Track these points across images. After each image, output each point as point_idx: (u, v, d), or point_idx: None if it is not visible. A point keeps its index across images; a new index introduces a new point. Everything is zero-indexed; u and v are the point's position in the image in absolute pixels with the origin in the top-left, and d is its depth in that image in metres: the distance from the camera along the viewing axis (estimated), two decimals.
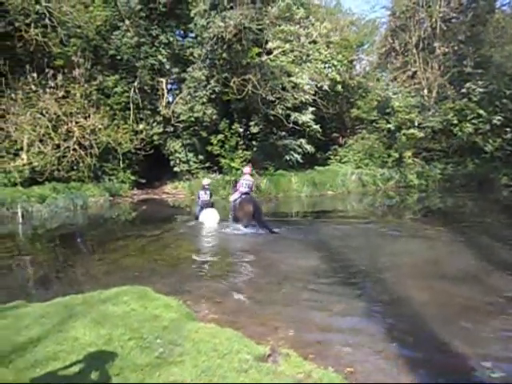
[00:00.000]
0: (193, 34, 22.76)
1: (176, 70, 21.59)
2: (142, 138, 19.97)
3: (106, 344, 3.44)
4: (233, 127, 21.16)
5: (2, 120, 16.86)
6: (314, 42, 23.36)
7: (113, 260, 7.71)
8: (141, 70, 20.39)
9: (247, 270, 6.98)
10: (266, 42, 20.98)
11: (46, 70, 17.53)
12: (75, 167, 18.25)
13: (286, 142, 22.79)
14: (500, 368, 3.47)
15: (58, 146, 17.58)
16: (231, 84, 20.10)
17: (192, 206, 13.98)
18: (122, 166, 19.83)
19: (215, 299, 5.29)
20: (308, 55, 23.44)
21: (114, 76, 20.48)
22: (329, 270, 6.57)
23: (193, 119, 20.78)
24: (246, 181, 10.75)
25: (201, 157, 22.11)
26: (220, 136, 21.13)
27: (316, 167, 23.31)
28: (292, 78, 21.55)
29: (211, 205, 11.50)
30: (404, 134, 23.88)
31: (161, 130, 21.43)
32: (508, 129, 23.13)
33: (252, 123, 22.22)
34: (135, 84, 20.45)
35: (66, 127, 18.01)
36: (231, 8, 18.61)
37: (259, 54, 20.99)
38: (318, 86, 22.45)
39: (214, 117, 20.85)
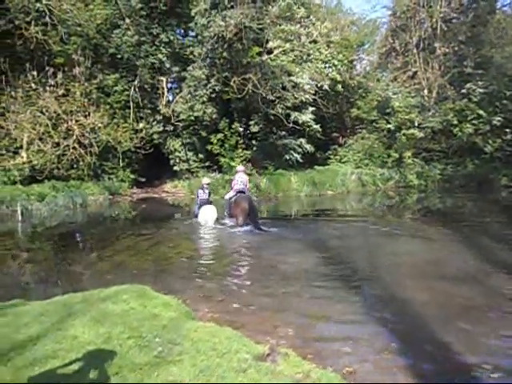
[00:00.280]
0: (193, 33, 22.77)
1: (176, 68, 21.59)
2: (142, 136, 19.94)
3: (105, 342, 3.44)
4: (233, 126, 21.16)
5: (2, 118, 16.87)
6: (315, 41, 23.37)
7: (112, 258, 7.70)
8: (141, 69, 20.37)
9: (247, 269, 6.98)
10: (267, 42, 20.99)
11: (46, 68, 17.52)
12: (75, 165, 18.23)
13: (285, 142, 22.79)
14: (500, 368, 3.47)
15: (58, 145, 17.57)
16: (231, 83, 20.09)
17: (191, 204, 14.00)
18: (121, 164, 19.81)
19: (214, 298, 5.29)
20: (308, 55, 23.44)
21: (114, 74, 20.47)
22: (328, 270, 6.57)
23: (193, 118, 20.78)
24: (240, 178, 10.86)
25: (200, 156, 22.11)
26: (220, 135, 21.12)
27: (316, 167, 23.31)
28: (292, 78, 21.55)
29: (210, 203, 11.52)
30: (404, 134, 23.88)
31: (161, 128, 21.43)
32: (508, 130, 23.13)
33: (252, 122, 22.22)
34: (135, 83, 20.44)
35: (65, 125, 18.00)
36: (232, 7, 18.61)
37: (260, 54, 20.99)
38: (319, 85, 22.45)
39: (214, 116, 20.85)
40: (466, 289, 5.55)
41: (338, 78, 23.56)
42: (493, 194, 19.38)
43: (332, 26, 24.28)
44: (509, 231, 10.08)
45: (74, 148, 17.82)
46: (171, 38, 21.04)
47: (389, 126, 24.19)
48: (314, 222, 12.17)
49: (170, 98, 22.75)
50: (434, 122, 23.81)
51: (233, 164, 20.58)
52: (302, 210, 16.12)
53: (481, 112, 22.91)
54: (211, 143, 21.27)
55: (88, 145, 18.09)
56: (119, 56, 20.29)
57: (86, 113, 18.68)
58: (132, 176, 20.78)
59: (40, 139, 17.34)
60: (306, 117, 22.55)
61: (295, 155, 22.91)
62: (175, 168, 22.39)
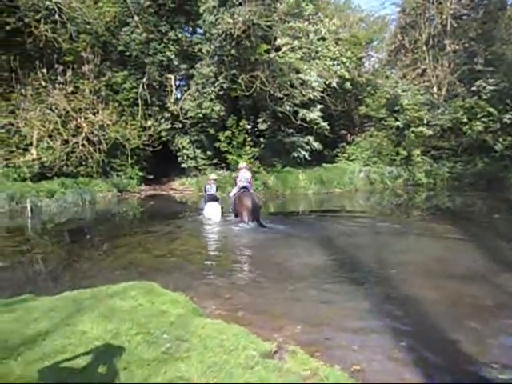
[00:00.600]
0: (201, 31, 22.78)
1: (184, 66, 21.63)
2: (150, 134, 20.04)
3: (113, 338, 3.46)
4: (240, 124, 21.16)
5: (12, 115, 17.02)
6: (323, 38, 23.23)
7: (120, 255, 7.75)
8: (149, 67, 20.44)
9: (254, 266, 6.98)
10: (275, 39, 20.91)
11: (56, 66, 17.69)
12: (84, 163, 18.36)
13: (293, 139, 22.75)
14: (509, 368, 3.44)
15: (67, 142, 17.70)
16: (239, 81, 20.09)
17: (199, 202, 14.06)
18: (130, 161, 19.92)
19: (222, 295, 5.30)
20: (317, 52, 23.32)
21: (123, 72, 20.55)
22: (336, 268, 6.54)
23: (201, 116, 20.82)
24: (243, 176, 11.01)
25: (208, 153, 22.14)
26: (228, 133, 21.14)
27: (324, 164, 23.26)
28: (300, 75, 21.48)
29: (216, 199, 11.67)
30: (413, 132, 23.71)
31: (169, 126, 21.49)
32: None
33: (260, 120, 22.20)
34: (144, 80, 20.52)
35: (74, 123, 18.15)
36: (240, 4, 18.59)
37: (268, 51, 20.93)
38: (327, 83, 22.35)
39: (222, 113, 20.88)
40: (475, 288, 5.50)
41: (347, 75, 23.43)
42: (503, 193, 19.17)
43: (340, 23, 24.17)
44: None
45: (82, 145, 17.95)
46: (179, 35, 21.10)
47: (397, 123, 24.01)
48: (321, 220, 12.12)
49: (179, 95, 22.80)
50: (444, 119, 23.62)
51: (240, 161, 20.60)
52: (309, 208, 16.08)
53: (491, 110, 22.68)
54: (219, 140, 21.29)
55: (97, 142, 18.22)
56: (128, 53, 20.38)
57: (95, 110, 18.81)
58: (140, 173, 20.88)
59: (49, 136, 17.48)
60: (314, 114, 22.47)
61: (303, 153, 22.87)
62: (183, 165, 22.46)
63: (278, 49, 21.66)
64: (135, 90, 20.56)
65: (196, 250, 8.08)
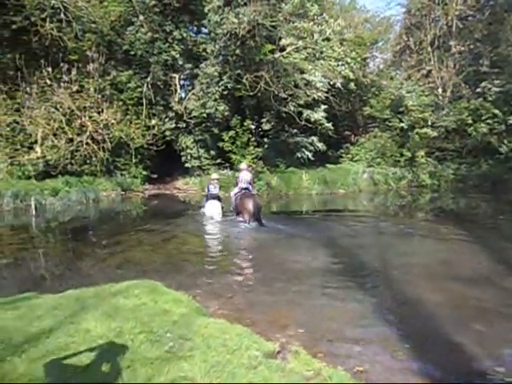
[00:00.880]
0: (206, 30, 22.76)
1: (189, 65, 21.63)
2: (154, 133, 20.07)
3: (116, 337, 3.47)
4: (244, 124, 21.15)
5: (18, 114, 17.10)
6: (328, 39, 23.17)
7: (124, 253, 7.77)
8: (154, 66, 20.47)
9: (257, 266, 6.98)
10: (280, 39, 20.88)
11: (61, 65, 17.75)
12: (88, 161, 18.41)
13: (297, 140, 22.71)
14: None
15: (72, 140, 17.76)
16: (244, 80, 20.07)
17: (202, 201, 14.10)
18: (134, 160, 19.96)
19: (224, 295, 5.30)
20: (321, 52, 23.27)
21: (128, 71, 20.58)
22: (340, 269, 6.54)
23: (205, 115, 20.82)
24: (244, 176, 11.14)
25: (212, 153, 22.13)
26: (232, 132, 21.13)
27: (327, 165, 23.20)
28: (305, 76, 21.43)
29: (219, 198, 11.80)
30: (417, 133, 23.60)
31: (173, 125, 21.50)
32: None
33: (264, 120, 22.18)
34: (148, 79, 20.55)
35: (79, 121, 18.21)
36: (245, 4, 18.57)
37: (272, 51, 20.91)
38: (331, 83, 22.28)
39: (226, 113, 20.87)
40: (480, 290, 5.48)
41: (351, 75, 23.35)
42: (507, 195, 19.07)
43: (345, 24, 24.09)
44: None
45: (87, 144, 18.00)
46: (184, 35, 21.10)
47: (402, 124, 23.91)
48: (324, 220, 12.11)
49: (183, 95, 22.81)
50: (448, 121, 23.52)
51: (242, 162, 20.61)
52: (313, 209, 16.05)
53: (496, 111, 22.56)
54: (223, 140, 21.29)
55: (101, 141, 18.26)
56: (132, 53, 20.41)
57: (100, 109, 18.85)
58: (144, 172, 20.91)
59: (54, 135, 17.54)
60: (318, 115, 22.42)
61: (307, 153, 22.82)
62: (187, 165, 22.47)
63: (282, 49, 21.63)
64: (140, 89, 20.59)
65: (199, 250, 8.10)
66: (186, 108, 20.94)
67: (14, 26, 16.98)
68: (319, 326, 4.34)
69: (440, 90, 25.54)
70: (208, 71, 20.16)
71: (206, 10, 20.06)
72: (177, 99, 21.40)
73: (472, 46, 24.43)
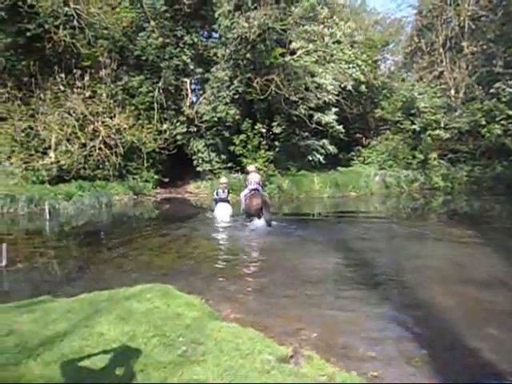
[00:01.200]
0: (217, 35, 22.87)
1: (200, 70, 21.75)
2: (166, 137, 20.19)
3: (130, 340, 3.49)
4: (255, 127, 21.17)
5: (32, 119, 17.35)
6: (338, 41, 23.15)
7: (136, 257, 7.81)
8: (165, 71, 20.62)
9: (269, 270, 6.96)
10: (290, 42, 20.91)
11: (74, 71, 17.98)
12: (101, 166, 18.57)
13: (308, 143, 22.67)
14: None
15: (85, 145, 17.95)
16: (254, 84, 20.11)
17: (211, 205, 14.16)
18: (145, 165, 20.09)
19: (237, 299, 5.30)
20: (332, 55, 23.24)
21: (139, 76, 20.77)
22: (353, 273, 6.49)
23: (216, 119, 20.89)
24: (253, 178, 11.29)
25: (223, 157, 22.19)
26: (242, 136, 21.16)
27: (339, 168, 23.12)
28: (315, 79, 21.42)
29: (228, 202, 11.95)
30: (429, 135, 23.39)
31: (184, 129, 21.60)
32: None
33: (275, 123, 22.18)
34: (160, 84, 20.70)
35: (92, 127, 18.41)
36: (255, 8, 18.63)
37: (283, 55, 20.93)
38: (342, 86, 22.23)
39: (237, 117, 20.91)
40: (494, 293, 5.40)
41: (362, 78, 23.27)
42: None
43: (356, 26, 23.99)
44: None
45: (99, 149, 18.18)
46: (195, 39, 21.23)
47: (414, 126, 23.71)
48: (336, 223, 12.05)
49: (194, 99, 22.91)
50: (461, 122, 23.26)
51: (255, 165, 20.61)
52: (324, 212, 16.00)
53: (510, 112, 22.23)
54: (234, 144, 21.33)
55: (113, 145, 18.44)
56: (144, 58, 20.60)
57: (112, 114, 19.05)
58: (156, 176, 21.04)
59: (67, 140, 17.75)
60: (329, 118, 22.37)
61: (318, 156, 22.76)
62: (198, 169, 22.55)
63: (293, 52, 21.65)
64: (151, 94, 20.76)
65: (210, 253, 8.11)
66: (197, 112, 21.04)
67: (28, 34, 17.29)
68: (332, 330, 4.31)
69: (452, 92, 25.29)
70: (219, 75, 20.26)
71: (216, 15, 20.17)
72: (188, 103, 21.52)
73: (485, 47, 24.15)
